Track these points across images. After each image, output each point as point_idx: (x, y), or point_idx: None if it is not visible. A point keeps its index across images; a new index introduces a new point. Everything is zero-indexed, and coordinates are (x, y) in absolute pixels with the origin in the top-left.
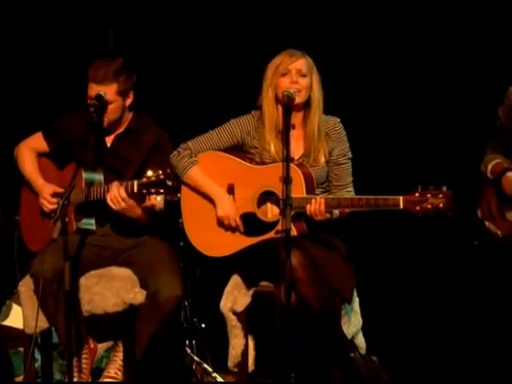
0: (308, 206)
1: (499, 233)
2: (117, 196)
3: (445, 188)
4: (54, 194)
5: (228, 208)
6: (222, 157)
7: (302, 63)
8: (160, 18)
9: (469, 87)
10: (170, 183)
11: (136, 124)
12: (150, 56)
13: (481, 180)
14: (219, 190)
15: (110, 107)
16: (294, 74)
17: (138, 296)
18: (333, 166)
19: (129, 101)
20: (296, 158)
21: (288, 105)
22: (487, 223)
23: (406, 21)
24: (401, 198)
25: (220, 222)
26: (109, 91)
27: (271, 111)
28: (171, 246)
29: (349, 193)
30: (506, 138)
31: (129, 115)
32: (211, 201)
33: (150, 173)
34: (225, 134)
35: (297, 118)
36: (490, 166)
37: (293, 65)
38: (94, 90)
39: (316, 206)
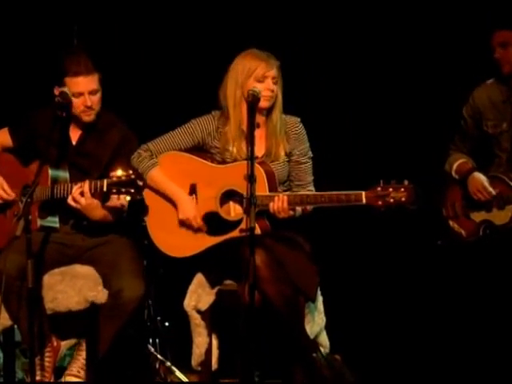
0: (271, 204)
1: (463, 233)
2: (78, 192)
3: (406, 182)
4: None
5: (189, 210)
6: (183, 157)
7: (276, 70)
8: (124, 15)
9: (434, 85)
10: (140, 183)
11: (102, 120)
12: (113, 53)
13: (445, 179)
14: (180, 192)
15: (97, 97)
16: (270, 83)
17: (99, 295)
18: (294, 166)
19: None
20: (258, 156)
21: (253, 103)
22: (451, 222)
23: (368, 17)
24: (363, 193)
25: (182, 224)
26: (95, 81)
27: (237, 111)
28: (135, 244)
29: (310, 192)
30: (469, 138)
31: None
32: (173, 202)
33: (120, 172)
34: (185, 135)
35: (260, 117)
36: (455, 166)
37: (269, 73)
38: (80, 83)
39: (279, 204)
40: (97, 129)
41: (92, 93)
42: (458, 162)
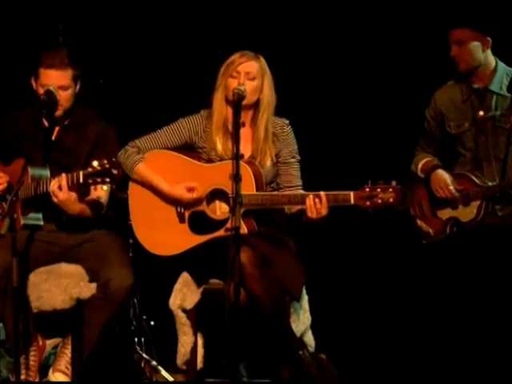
0: (307, 201)
1: (431, 231)
2: (56, 186)
3: (394, 183)
4: None
5: (184, 194)
6: (170, 155)
7: (251, 66)
8: (110, 12)
9: (398, 89)
10: (115, 172)
11: (79, 116)
12: (99, 51)
13: (411, 179)
14: (167, 185)
15: (67, 93)
16: (242, 77)
17: (83, 290)
18: (282, 167)
19: (77, 88)
20: (244, 155)
21: (238, 102)
22: (419, 222)
23: (344, 28)
24: (351, 193)
25: (170, 220)
26: (66, 76)
27: (220, 110)
28: (121, 238)
29: (298, 191)
30: (433, 139)
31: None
32: (160, 199)
33: (95, 163)
34: (173, 134)
35: (246, 117)
36: (420, 165)
37: (241, 67)
38: (50, 76)
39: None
40: (74, 124)
41: (62, 88)
42: (423, 161)
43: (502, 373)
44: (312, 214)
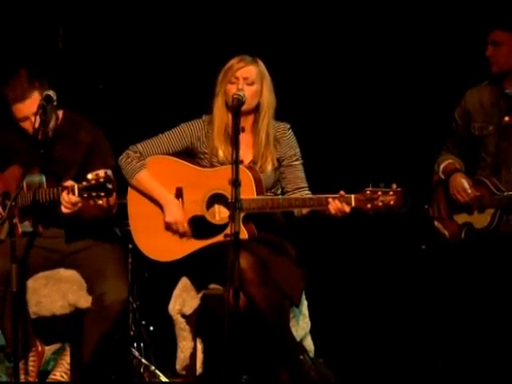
0: (329, 206)
1: (446, 233)
2: (68, 202)
3: (395, 185)
4: None
5: (176, 213)
6: (171, 160)
7: (249, 70)
8: (111, 17)
9: (424, 87)
10: (110, 186)
11: (69, 123)
12: (99, 56)
13: (432, 180)
14: (167, 195)
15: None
16: (240, 82)
17: (81, 299)
18: (286, 170)
19: (54, 100)
20: (244, 161)
21: (237, 107)
22: (436, 223)
23: (356, 23)
24: (352, 196)
25: (168, 228)
26: (34, 101)
27: (221, 116)
28: (119, 247)
29: (299, 195)
30: (459, 140)
31: (59, 114)
32: (159, 205)
33: (89, 176)
34: (175, 139)
35: (247, 122)
36: (442, 166)
37: (239, 72)
38: (21, 109)
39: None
40: (64, 132)
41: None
42: (445, 163)
43: (503, 374)
44: (337, 214)
